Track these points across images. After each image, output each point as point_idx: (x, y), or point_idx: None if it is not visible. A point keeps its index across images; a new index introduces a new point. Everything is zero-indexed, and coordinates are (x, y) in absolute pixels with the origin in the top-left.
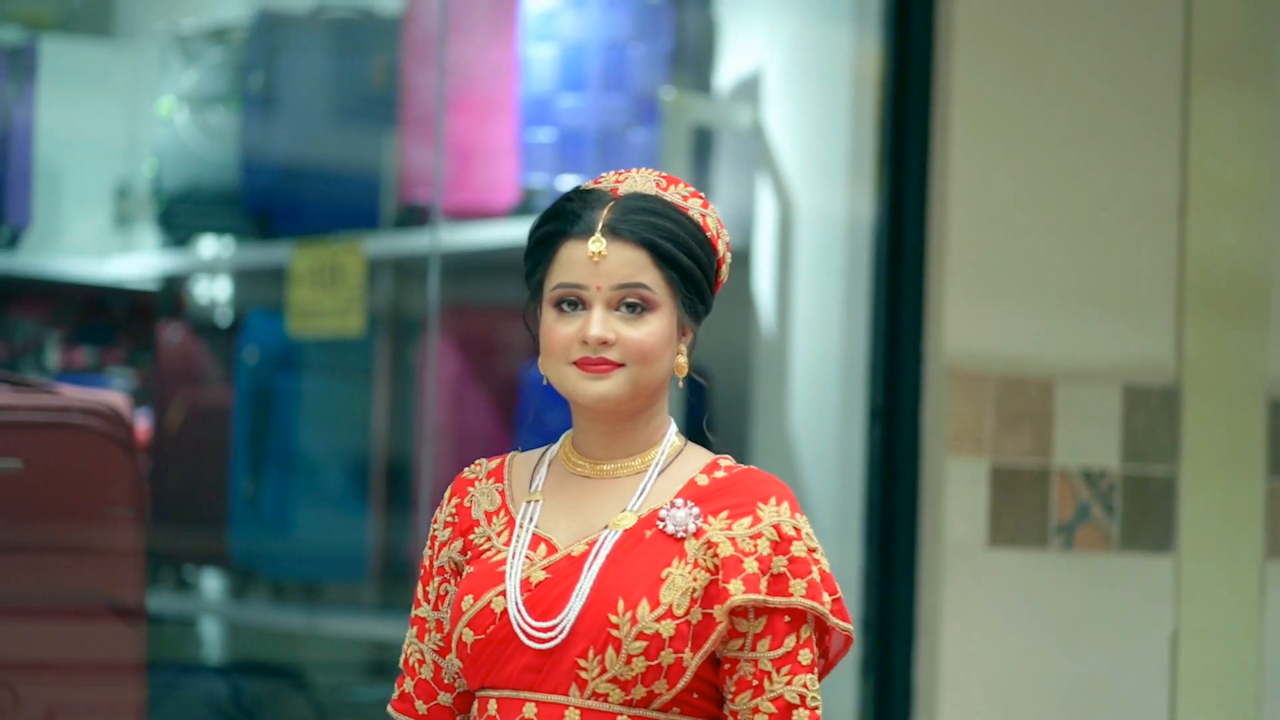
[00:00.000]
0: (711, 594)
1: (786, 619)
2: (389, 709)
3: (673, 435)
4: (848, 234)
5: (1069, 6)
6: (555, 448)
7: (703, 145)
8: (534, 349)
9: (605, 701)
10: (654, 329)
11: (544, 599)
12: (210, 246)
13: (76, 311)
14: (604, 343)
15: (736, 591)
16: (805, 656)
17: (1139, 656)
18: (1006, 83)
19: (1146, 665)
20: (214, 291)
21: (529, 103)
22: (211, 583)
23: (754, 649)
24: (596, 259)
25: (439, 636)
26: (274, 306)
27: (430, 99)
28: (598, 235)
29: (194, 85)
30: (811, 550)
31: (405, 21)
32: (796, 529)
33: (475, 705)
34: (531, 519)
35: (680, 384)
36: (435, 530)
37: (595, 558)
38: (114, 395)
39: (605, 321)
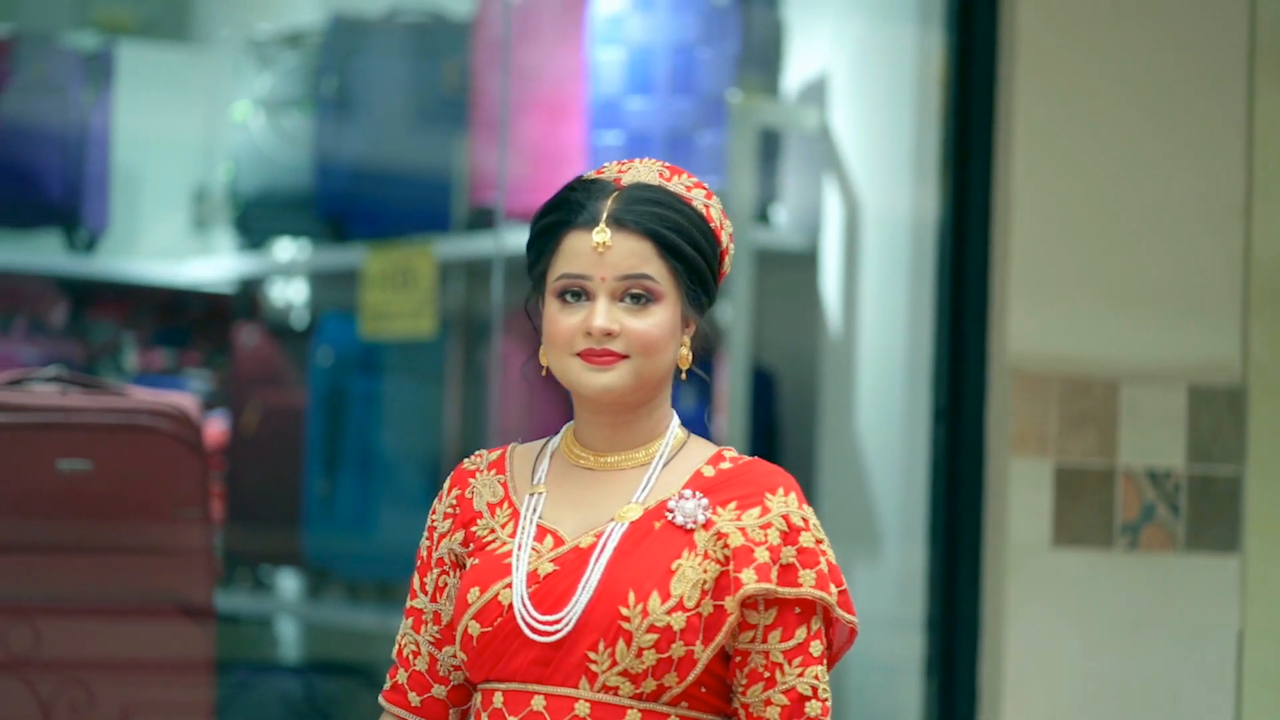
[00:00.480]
0: (722, 585)
1: (797, 610)
2: (380, 699)
3: (676, 427)
4: (913, 235)
5: (1133, 4)
6: (557, 439)
7: (769, 147)
8: (536, 341)
9: (615, 694)
10: (658, 320)
11: (551, 592)
12: (285, 249)
13: (154, 314)
14: (608, 334)
15: (749, 581)
16: (816, 648)
17: (1204, 656)
18: (1070, 81)
19: (1212, 665)
20: (289, 294)
21: (597, 105)
22: (287, 583)
23: (765, 641)
24: (601, 249)
25: (436, 628)
26: (348, 309)
27: (502, 102)
28: (602, 225)
29: (269, 90)
30: (819, 541)
31: (476, 25)
32: (805, 519)
33: (479, 698)
34: (535, 510)
35: (683, 376)
36: (434, 521)
37: (603, 550)
38: (182, 397)
39: (609, 312)
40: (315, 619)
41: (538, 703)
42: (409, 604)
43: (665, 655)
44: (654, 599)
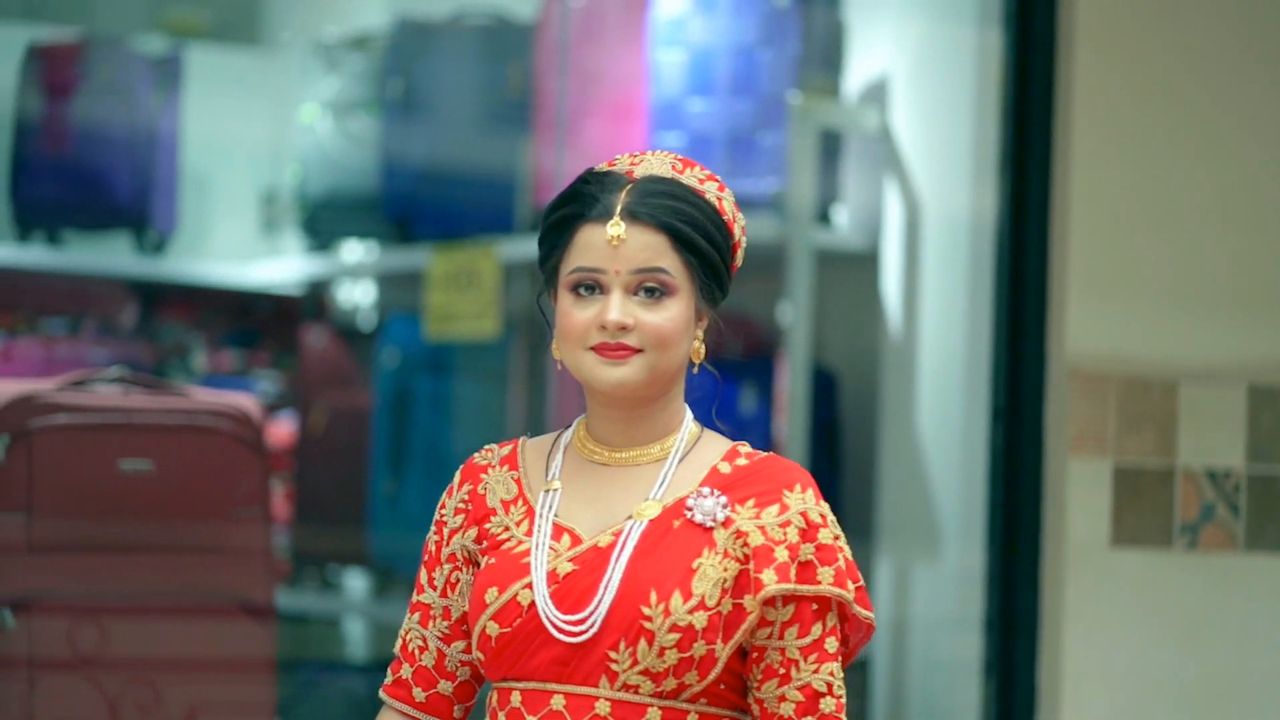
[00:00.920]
0: (742, 584)
1: (814, 607)
2: (381, 693)
3: (690, 421)
4: (972, 235)
5: (1191, 3)
6: (568, 434)
7: (830, 148)
8: (548, 334)
9: (636, 693)
10: (673, 314)
11: (572, 591)
12: (352, 251)
13: (223, 315)
14: (623, 328)
15: (770, 581)
16: (831, 644)
17: (1263, 656)
18: (1129, 80)
19: (1271, 665)
20: (355, 295)
21: (659, 107)
22: (354, 582)
23: (781, 637)
24: (615, 243)
25: (446, 623)
26: (414, 310)
27: (566, 105)
28: (617, 219)
29: (336, 92)
30: (836, 538)
31: (539, 28)
32: (823, 516)
33: (495, 696)
34: (551, 508)
35: (695, 370)
36: (444, 516)
37: (623, 548)
38: (243, 398)
39: (624, 306)
40: (381, 618)
41: (557, 702)
42: (415, 599)
43: (687, 654)
44: (676, 598)
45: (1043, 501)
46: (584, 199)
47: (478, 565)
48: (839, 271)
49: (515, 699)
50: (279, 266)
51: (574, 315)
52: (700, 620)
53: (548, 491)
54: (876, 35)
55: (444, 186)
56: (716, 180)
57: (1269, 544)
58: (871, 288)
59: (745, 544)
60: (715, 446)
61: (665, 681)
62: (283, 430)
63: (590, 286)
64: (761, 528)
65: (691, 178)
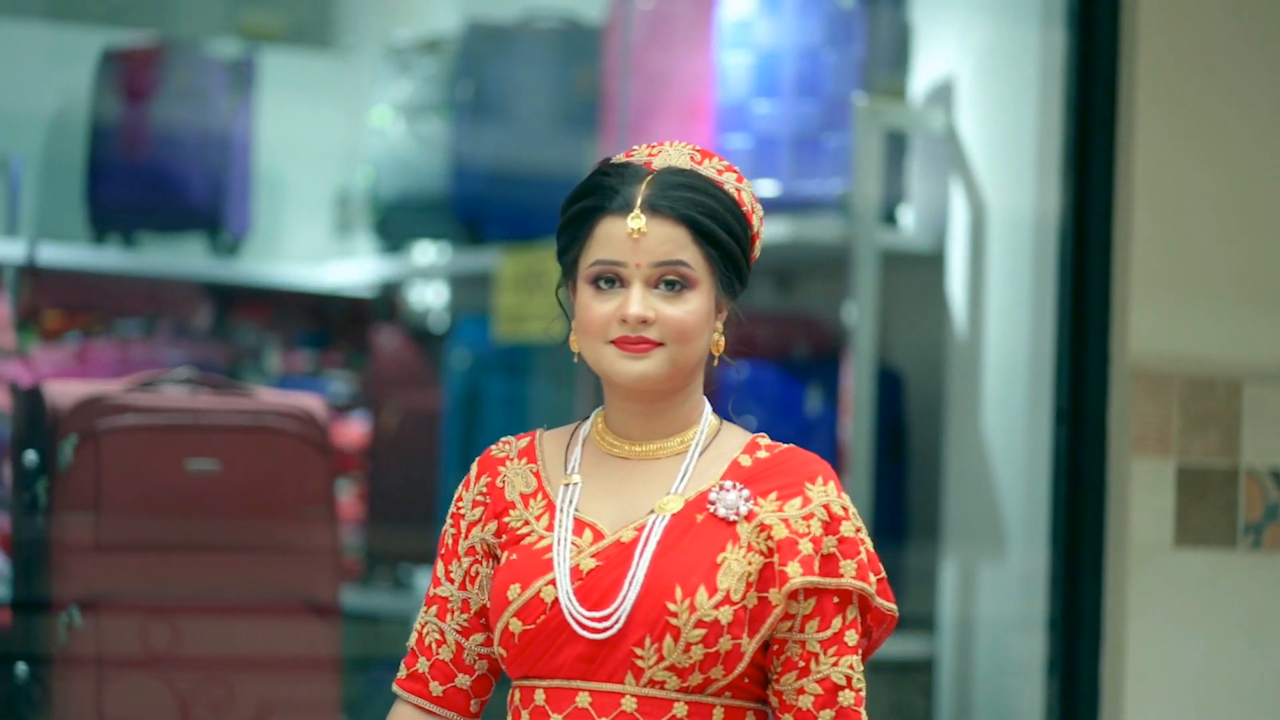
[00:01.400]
0: (766, 577)
1: (835, 600)
2: (395, 688)
3: (709, 414)
4: (1036, 235)
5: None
6: (586, 426)
7: (896, 149)
8: (562, 327)
9: (662, 689)
10: (693, 307)
11: (596, 588)
12: (424, 253)
13: (296, 317)
14: (643, 321)
15: (795, 574)
16: (851, 637)
17: None
18: (1192, 79)
19: None
20: (427, 297)
21: (725, 109)
22: (425, 582)
23: (802, 630)
24: (636, 236)
25: (465, 616)
26: (484, 311)
27: (632, 106)
28: (637, 211)
29: (408, 95)
30: (858, 530)
31: (608, 30)
32: (845, 508)
33: (517, 694)
34: (571, 502)
35: (715, 363)
36: (461, 509)
37: (646, 544)
38: (309, 398)
39: (644, 299)
40: None
41: (583, 699)
42: (432, 591)
43: (713, 650)
44: (701, 594)
45: (1106, 502)
46: (604, 191)
47: (497, 559)
48: (905, 272)
49: (539, 697)
50: (351, 268)
51: (594, 308)
52: (726, 615)
53: (568, 485)
54: (942, 36)
55: (513, 188)
56: (735, 171)
57: None
58: (937, 288)
59: (769, 537)
60: (735, 439)
61: (691, 677)
62: (355, 431)
63: (610, 279)
64: (785, 520)
65: (710, 169)
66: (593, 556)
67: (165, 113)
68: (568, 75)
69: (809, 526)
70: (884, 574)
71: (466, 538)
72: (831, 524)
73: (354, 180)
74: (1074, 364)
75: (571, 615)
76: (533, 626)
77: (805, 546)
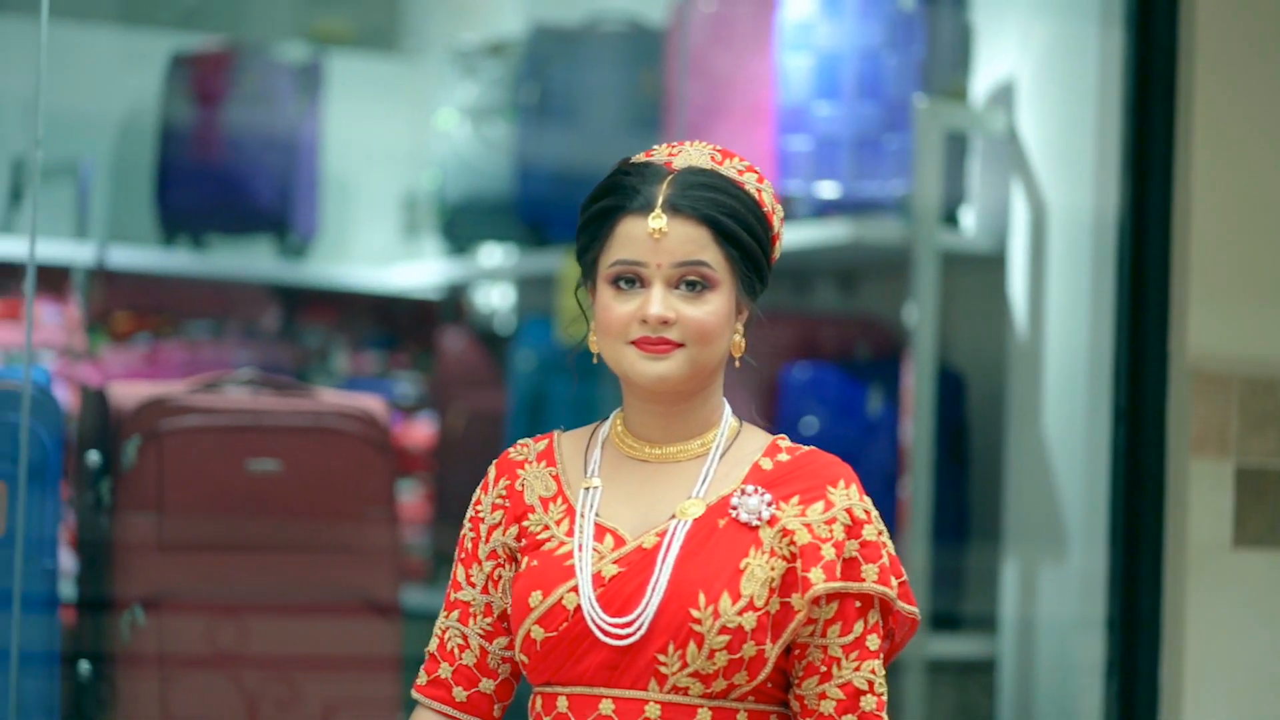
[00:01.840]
0: (789, 582)
1: (857, 604)
2: (414, 694)
3: (729, 416)
4: (1095, 236)
5: None
6: (605, 428)
7: (957, 150)
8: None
9: (685, 695)
10: (714, 308)
11: (619, 594)
12: (489, 255)
13: (363, 318)
14: (664, 322)
15: (818, 580)
16: (873, 642)
17: None
18: (1249, 78)
19: None
20: (493, 299)
21: (786, 111)
22: None
23: (824, 635)
24: (657, 236)
25: (488, 620)
26: (549, 313)
27: (694, 108)
28: (658, 211)
29: (474, 98)
30: (880, 534)
31: (670, 33)
32: (867, 512)
33: (539, 701)
34: (592, 507)
35: (737, 364)
36: (480, 513)
37: (668, 550)
38: (370, 399)
39: (665, 300)
40: None
41: (606, 706)
42: (452, 596)
43: (736, 656)
44: (724, 600)
45: (1165, 502)
46: (624, 190)
47: (518, 562)
48: (966, 273)
49: (562, 704)
50: (418, 270)
51: (614, 309)
52: (749, 621)
53: (588, 489)
54: (1002, 37)
55: (578, 190)
56: (756, 171)
57: None
58: (998, 289)
59: (792, 542)
60: (756, 441)
61: (715, 683)
62: (422, 431)
63: (631, 279)
64: (808, 525)
65: (731, 169)
66: (614, 563)
67: (234, 116)
68: (632, 77)
69: (831, 531)
70: (905, 577)
71: (487, 541)
72: (854, 528)
73: (420, 183)
74: (1133, 365)
75: (594, 622)
76: (555, 634)
77: (828, 552)
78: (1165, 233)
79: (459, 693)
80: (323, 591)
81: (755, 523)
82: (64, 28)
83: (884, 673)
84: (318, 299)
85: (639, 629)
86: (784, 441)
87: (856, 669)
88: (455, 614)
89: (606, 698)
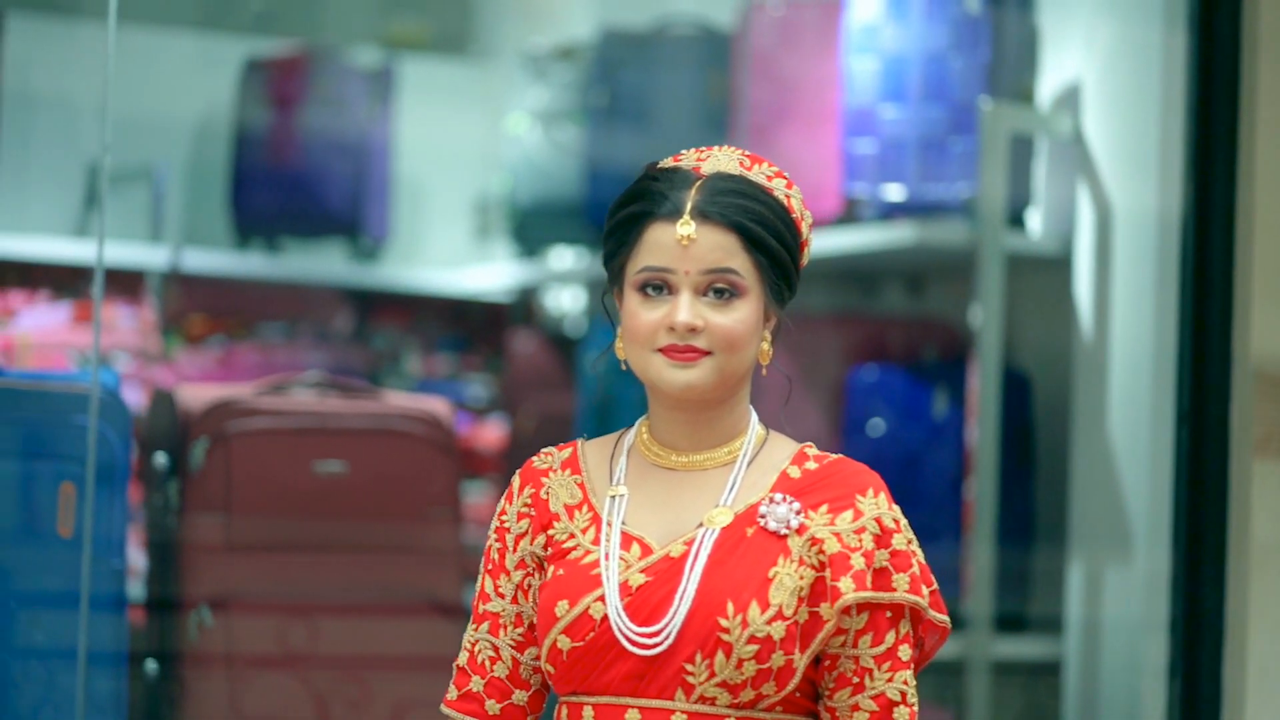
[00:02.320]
0: (818, 592)
1: (888, 614)
2: (444, 709)
3: (756, 424)
4: (1160, 238)
5: None
6: (630, 435)
7: (1023, 152)
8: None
9: (713, 705)
10: (743, 315)
11: (646, 603)
12: (560, 258)
13: (435, 321)
14: (692, 329)
15: (848, 590)
16: (905, 652)
17: None
18: None
19: None
20: (563, 301)
21: (851, 114)
22: None
23: (855, 645)
24: (686, 242)
25: (519, 631)
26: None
27: (760, 111)
28: (687, 217)
29: (544, 102)
30: (910, 542)
31: (739, 37)
32: (896, 521)
33: (564, 711)
34: (618, 515)
35: (764, 372)
36: (506, 522)
37: (696, 558)
38: (435, 402)
39: (693, 307)
40: None
41: (632, 716)
42: (481, 608)
43: (765, 666)
44: (753, 609)
45: (1228, 504)
46: (652, 196)
47: (545, 571)
48: (1034, 275)
49: (588, 714)
50: (489, 273)
51: (642, 316)
52: (778, 631)
53: (614, 497)
54: (1068, 40)
55: None
56: (784, 177)
57: None
58: (1064, 291)
59: (821, 551)
60: (783, 449)
61: (743, 693)
62: (493, 433)
63: (658, 286)
64: (837, 534)
65: (759, 174)
66: (642, 572)
67: (308, 120)
68: (701, 81)
69: (860, 540)
70: (936, 585)
71: (514, 551)
72: (883, 537)
73: (491, 186)
74: (1195, 366)
75: (621, 632)
76: (582, 643)
77: (857, 561)
78: (1229, 233)
79: (492, 705)
80: (387, 592)
81: (784, 531)
82: (140, 33)
83: (915, 683)
84: (390, 302)
85: (666, 638)
86: (811, 450)
87: (889, 680)
88: (485, 626)
89: (633, 708)
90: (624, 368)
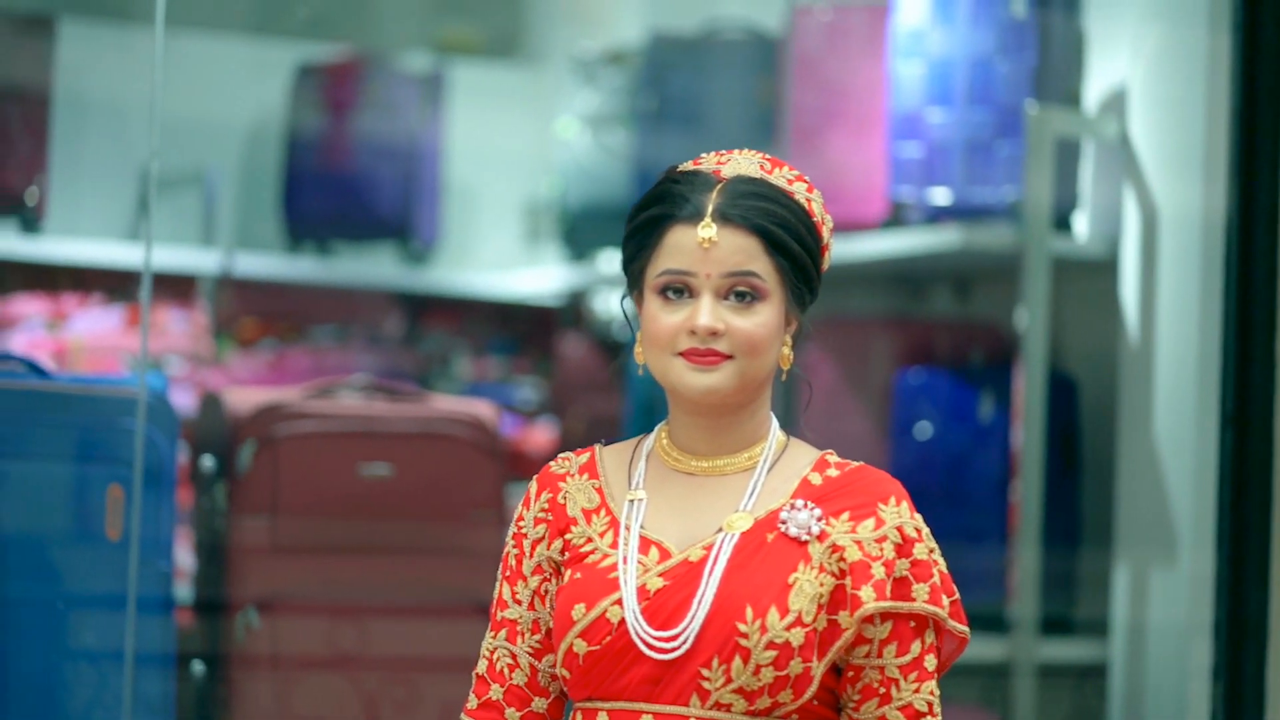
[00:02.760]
0: (837, 600)
1: (912, 624)
2: (464, 718)
3: (777, 429)
4: (1204, 242)
5: None
6: (650, 441)
7: (1067, 156)
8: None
9: (728, 712)
10: (764, 319)
11: (664, 607)
12: (610, 262)
13: (485, 324)
14: (714, 333)
15: (869, 599)
16: (930, 662)
17: None
18: None
19: None
20: (612, 305)
21: (897, 118)
22: None
23: (880, 655)
24: (707, 245)
25: (536, 638)
26: None
27: (807, 115)
28: (708, 220)
29: (594, 106)
30: (931, 551)
31: (785, 41)
32: (918, 530)
33: (579, 717)
34: (637, 519)
35: (784, 377)
36: (523, 528)
37: (715, 563)
38: (480, 405)
39: (714, 311)
40: None
41: None
42: (499, 615)
43: (783, 673)
44: (772, 614)
45: (1272, 507)
46: (673, 199)
47: (562, 576)
48: (1080, 279)
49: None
50: (539, 276)
51: (662, 319)
52: (797, 637)
53: (632, 501)
54: (1114, 43)
55: None
56: (805, 180)
57: None
58: (1110, 294)
59: (841, 559)
60: (804, 456)
61: (759, 700)
62: (542, 436)
63: (679, 289)
64: (858, 543)
65: (780, 178)
66: (660, 575)
67: (360, 125)
68: (749, 85)
69: (882, 549)
70: (957, 595)
71: (531, 556)
72: (904, 546)
73: (541, 190)
74: (1240, 368)
75: (638, 635)
76: (598, 647)
77: (878, 570)
78: (1273, 235)
79: (512, 714)
80: (433, 594)
81: (805, 538)
82: (193, 38)
83: (939, 693)
84: (440, 305)
85: (684, 642)
86: (832, 457)
87: (916, 690)
88: (503, 633)
89: (647, 713)
90: (641, 372)
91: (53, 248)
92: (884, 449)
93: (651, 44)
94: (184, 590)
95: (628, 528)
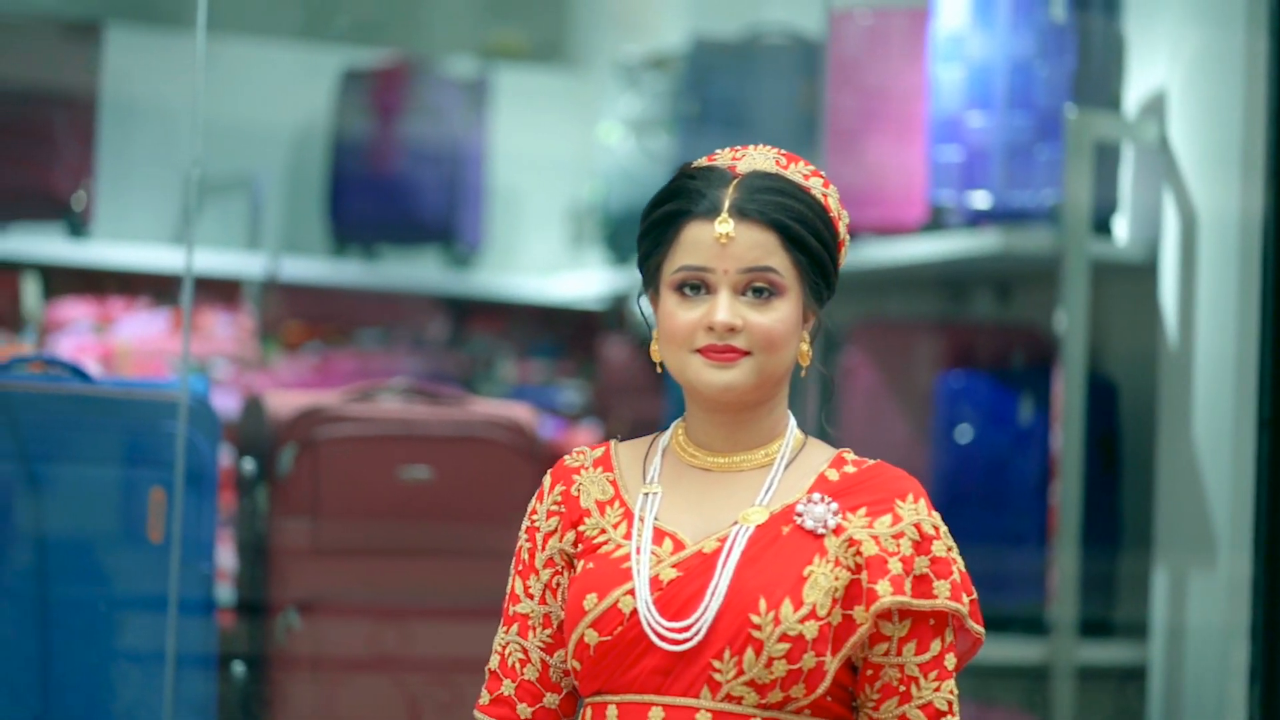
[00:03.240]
0: (852, 594)
1: (931, 622)
2: (477, 713)
3: (794, 427)
4: (1242, 245)
5: None
6: (666, 437)
7: (1107, 160)
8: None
9: (739, 704)
10: (782, 315)
11: (676, 598)
12: None
13: (529, 328)
14: (731, 329)
15: (885, 593)
16: (950, 661)
17: None
18: None
19: None
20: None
21: (937, 122)
22: None
23: (899, 654)
24: (724, 240)
25: (548, 632)
26: None
27: (848, 119)
28: (725, 215)
29: (636, 111)
30: (950, 549)
31: (825, 45)
32: (936, 527)
33: (589, 712)
34: (651, 511)
35: (803, 373)
36: (535, 522)
37: (729, 554)
38: (519, 409)
39: (732, 307)
40: None
41: (656, 715)
42: (511, 610)
43: (795, 666)
44: (786, 606)
45: None
46: (689, 195)
47: (574, 569)
48: (1119, 282)
49: (611, 713)
50: (582, 280)
51: (679, 316)
52: (811, 630)
53: (647, 494)
54: (1153, 47)
55: None
56: (821, 176)
57: None
58: (1149, 298)
59: (858, 553)
60: (821, 453)
61: (770, 693)
62: (585, 439)
63: (696, 286)
64: (875, 538)
65: (796, 173)
66: (673, 566)
67: (405, 129)
68: (791, 89)
69: (899, 545)
70: (975, 594)
71: (543, 550)
72: (923, 543)
73: (584, 194)
74: (1277, 371)
75: (650, 626)
76: (609, 637)
77: (895, 566)
78: None
79: (524, 709)
80: (471, 596)
81: (821, 531)
82: (238, 43)
83: (958, 692)
84: (484, 308)
85: (696, 634)
86: (850, 454)
87: (936, 689)
88: (514, 628)
89: (657, 705)
90: (658, 370)
91: (100, 252)
92: (925, 452)
93: (694, 49)
94: (226, 592)
95: (642, 519)
